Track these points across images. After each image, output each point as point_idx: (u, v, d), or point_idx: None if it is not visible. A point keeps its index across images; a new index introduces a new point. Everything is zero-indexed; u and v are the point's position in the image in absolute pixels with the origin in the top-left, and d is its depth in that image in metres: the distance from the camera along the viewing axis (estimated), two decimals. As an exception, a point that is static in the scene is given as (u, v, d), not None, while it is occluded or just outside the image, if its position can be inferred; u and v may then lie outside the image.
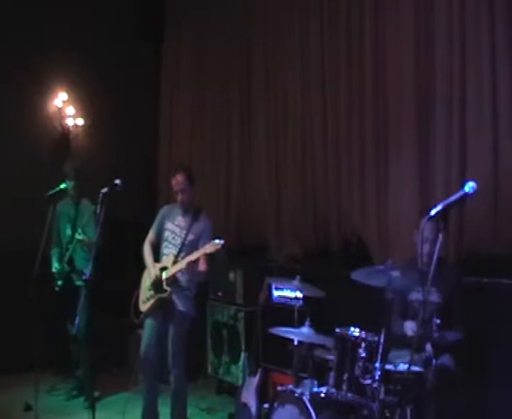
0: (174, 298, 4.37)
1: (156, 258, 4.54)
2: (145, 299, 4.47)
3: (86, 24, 6.97)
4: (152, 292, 4.40)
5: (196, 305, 4.53)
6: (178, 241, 4.44)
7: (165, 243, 4.52)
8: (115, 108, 7.11)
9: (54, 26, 6.72)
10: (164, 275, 4.34)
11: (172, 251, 4.43)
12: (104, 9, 7.12)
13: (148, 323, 4.47)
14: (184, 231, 4.45)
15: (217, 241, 4.09)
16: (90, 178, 5.25)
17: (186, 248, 4.39)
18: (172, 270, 4.31)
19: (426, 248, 3.74)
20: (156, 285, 4.36)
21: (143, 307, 4.49)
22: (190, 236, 4.42)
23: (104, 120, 7.12)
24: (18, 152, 6.44)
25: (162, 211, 4.66)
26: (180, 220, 4.52)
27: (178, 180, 4.44)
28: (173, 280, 4.33)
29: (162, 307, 4.39)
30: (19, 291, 4.55)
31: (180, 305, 4.39)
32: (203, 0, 6.92)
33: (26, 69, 6.51)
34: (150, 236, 4.62)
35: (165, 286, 4.32)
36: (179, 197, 4.48)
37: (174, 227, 4.52)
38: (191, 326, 4.51)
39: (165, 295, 4.32)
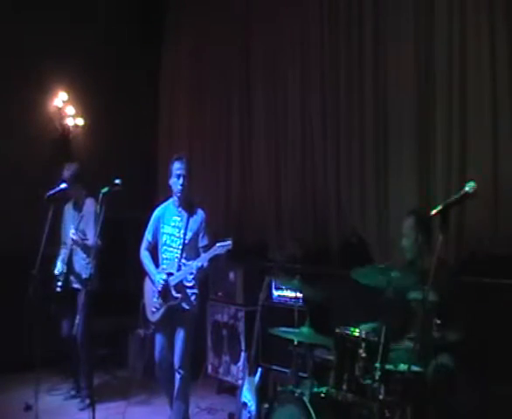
0: (183, 300, 4.33)
1: (157, 263, 4.47)
2: (154, 310, 4.37)
3: (86, 25, 6.98)
4: (161, 301, 4.32)
5: (200, 302, 4.50)
6: (178, 242, 4.37)
7: (164, 248, 4.43)
8: (115, 108, 7.12)
9: (54, 26, 6.73)
10: (172, 282, 4.27)
11: (174, 255, 4.36)
12: (104, 9, 7.13)
13: (160, 330, 4.41)
14: (183, 231, 4.37)
15: (227, 242, 4.04)
16: (90, 178, 5.25)
17: (187, 247, 4.34)
18: (178, 275, 4.26)
19: (402, 242, 3.84)
20: (165, 293, 4.28)
21: (153, 318, 4.40)
22: (189, 235, 4.36)
23: (104, 120, 7.12)
24: (18, 152, 6.45)
25: (156, 214, 4.54)
26: (176, 220, 4.43)
27: (183, 165, 4.36)
28: (181, 286, 4.27)
29: (174, 313, 4.33)
30: (19, 291, 4.54)
31: (189, 305, 4.35)
32: (203, 0, 6.93)
33: (26, 69, 6.51)
34: (146, 242, 4.52)
35: (175, 294, 4.26)
36: (180, 182, 4.35)
37: (171, 229, 4.42)
38: (196, 324, 4.50)
39: (176, 302, 4.26)
